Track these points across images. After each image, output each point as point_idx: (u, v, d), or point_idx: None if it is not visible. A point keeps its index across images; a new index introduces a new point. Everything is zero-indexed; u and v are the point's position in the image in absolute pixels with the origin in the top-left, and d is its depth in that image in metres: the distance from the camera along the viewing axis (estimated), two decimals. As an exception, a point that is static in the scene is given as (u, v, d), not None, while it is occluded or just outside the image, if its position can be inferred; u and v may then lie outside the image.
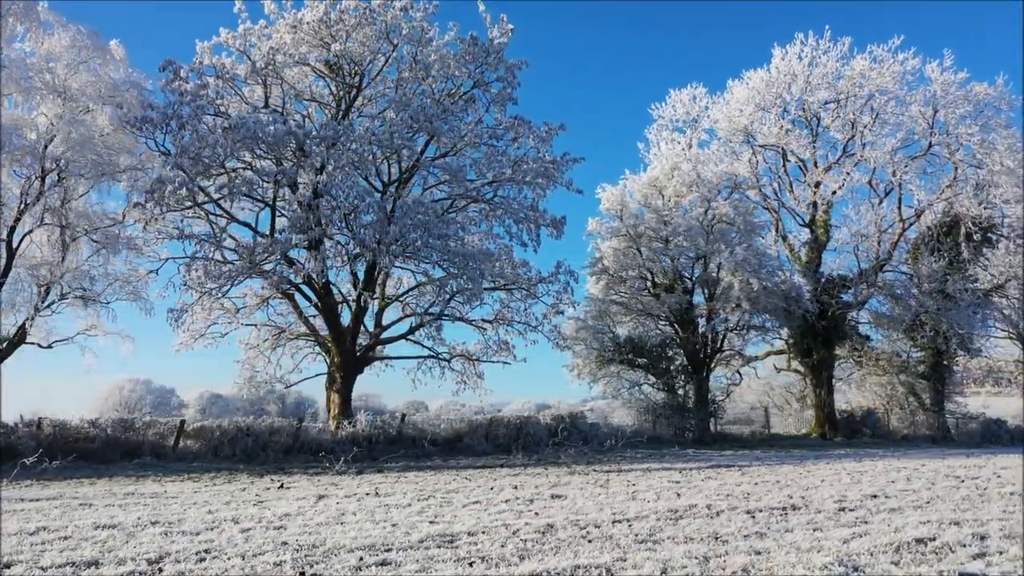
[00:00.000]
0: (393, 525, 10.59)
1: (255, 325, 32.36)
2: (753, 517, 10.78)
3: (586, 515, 11.27)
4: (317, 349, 31.33)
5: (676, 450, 30.29)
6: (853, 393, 43.42)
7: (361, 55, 26.29)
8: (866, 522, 10.22)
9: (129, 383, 74.96)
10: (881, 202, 39.22)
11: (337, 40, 25.22)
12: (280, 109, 27.00)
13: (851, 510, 11.37)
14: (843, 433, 38.57)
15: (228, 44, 26.28)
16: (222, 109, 26.17)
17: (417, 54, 27.18)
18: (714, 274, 35.24)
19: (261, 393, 32.17)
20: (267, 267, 24.83)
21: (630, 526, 10.18)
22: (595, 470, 20.74)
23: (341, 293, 29.83)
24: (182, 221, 26.20)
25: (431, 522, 10.84)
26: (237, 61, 26.71)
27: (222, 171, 23.55)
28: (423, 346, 32.01)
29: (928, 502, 11.95)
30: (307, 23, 24.95)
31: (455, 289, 26.84)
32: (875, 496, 12.85)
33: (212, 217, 27.42)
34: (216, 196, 24.12)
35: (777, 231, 40.31)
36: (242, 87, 27.51)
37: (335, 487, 17.08)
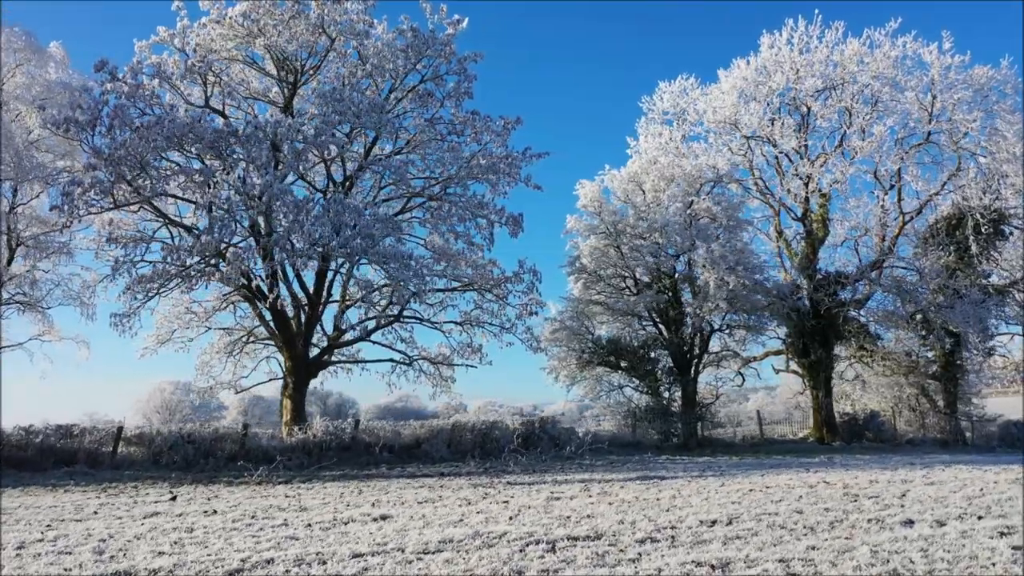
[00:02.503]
0: (110, 558, 9.24)
1: (224, 329, 31.51)
2: (522, 552, 9.08)
3: (354, 545, 9.72)
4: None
5: (648, 456, 28.32)
6: (859, 394, 40.72)
7: (293, 50, 25.03)
8: (635, 560, 8.51)
9: (170, 385, 75.47)
10: (886, 194, 36.60)
11: (264, 34, 24.00)
12: (221, 107, 25.98)
13: (653, 541, 9.56)
14: (843, 437, 36.05)
15: (166, 42, 25.28)
16: (169, 108, 25.21)
17: (360, 48, 25.86)
18: (696, 272, 33.18)
19: (218, 396, 30.83)
20: (199, 268, 23.50)
21: (362, 560, 8.66)
22: (510, 482, 19.08)
23: (297, 296, 28.66)
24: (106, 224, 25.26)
25: (160, 553, 9.44)
26: (181, 60, 25.72)
27: (140, 172, 22.37)
28: (394, 349, 30.91)
29: (756, 533, 10.02)
30: (231, 17, 23.78)
31: (398, 291, 25.27)
32: (714, 523, 10.95)
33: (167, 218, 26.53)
34: (134, 198, 22.96)
35: (776, 226, 38.09)
36: (192, 86, 26.53)
37: (210, 500, 15.88)
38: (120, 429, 25.23)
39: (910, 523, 10.60)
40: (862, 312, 36.38)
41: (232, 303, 30.12)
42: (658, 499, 14.27)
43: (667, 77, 38.08)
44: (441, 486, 18.34)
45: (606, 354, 34.32)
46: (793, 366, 38.35)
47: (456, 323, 29.98)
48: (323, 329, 29.12)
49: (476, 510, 13.22)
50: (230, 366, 30.58)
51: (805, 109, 35.68)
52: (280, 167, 22.81)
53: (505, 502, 14.55)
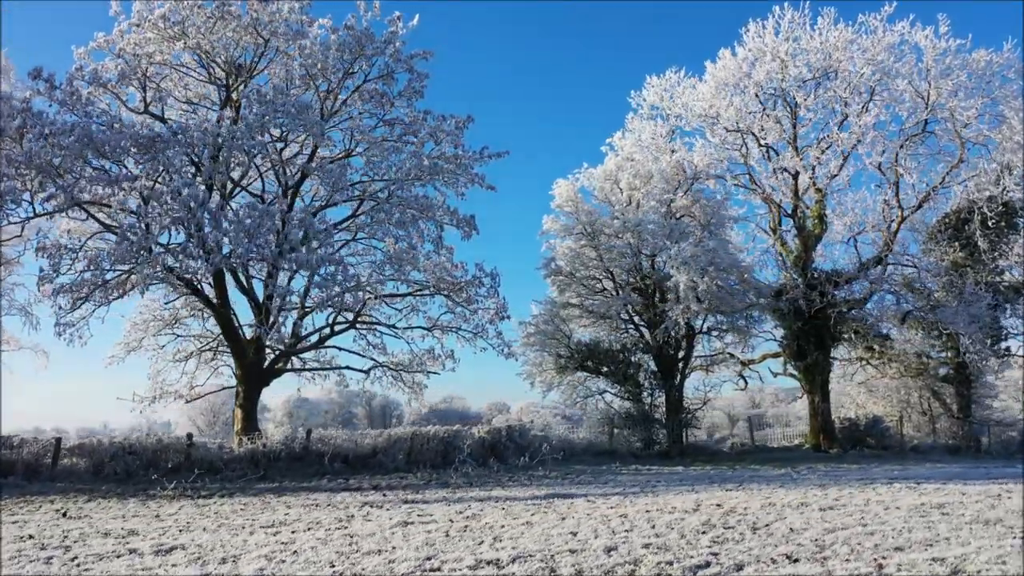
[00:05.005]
0: None
1: (195, 336, 30.88)
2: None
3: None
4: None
5: (615, 467, 26.63)
6: (864, 398, 38.27)
7: (221, 52, 24.08)
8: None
9: (217, 389, 75.76)
10: (892, 188, 34.10)
11: (187, 36, 23.09)
12: (161, 112, 25.21)
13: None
14: (842, 443, 33.71)
15: (103, 48, 24.58)
16: (114, 115, 24.53)
17: (299, 49, 24.78)
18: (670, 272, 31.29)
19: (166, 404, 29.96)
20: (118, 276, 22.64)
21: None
22: (407, 499, 17.80)
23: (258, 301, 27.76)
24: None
25: None
26: (118, 65, 24.99)
27: (57, 178, 21.60)
28: (364, 356, 29.98)
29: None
30: (150, 20, 22.91)
31: (323, 299, 24.10)
32: (490, 563, 9.58)
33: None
34: (60, 205, 22.21)
35: (772, 223, 35.87)
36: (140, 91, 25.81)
37: (77, 519, 15.05)
38: (59, 440, 24.62)
39: (702, 567, 9.03)
40: (857, 312, 33.82)
41: (199, 310, 29.44)
42: (503, 526, 12.80)
43: (662, 71, 35.75)
44: (329, 504, 17.13)
45: (583, 358, 32.69)
46: (791, 369, 36.09)
47: (425, 329, 28.90)
48: (280, 336, 28.17)
49: (284, 540, 11.98)
50: (188, 373, 29.89)
51: (794, 101, 33.51)
52: (201, 172, 21.90)
53: (343, 527, 13.29)
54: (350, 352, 29.64)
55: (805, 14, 32.77)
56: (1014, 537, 10.46)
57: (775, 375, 36.94)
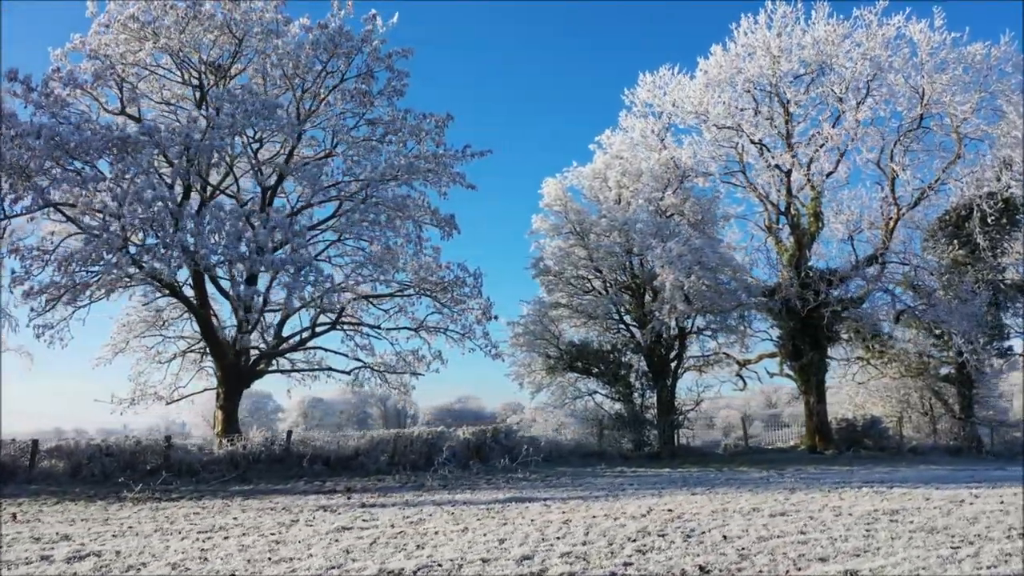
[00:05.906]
0: None
1: (184, 337, 30.69)
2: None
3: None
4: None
5: (600, 469, 26.17)
6: (863, 399, 37.46)
7: (191, 52, 23.86)
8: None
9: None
10: (891, 185, 33.32)
11: (158, 36, 22.88)
12: (137, 113, 25.05)
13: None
14: (839, 444, 32.98)
15: (78, 49, 24.43)
16: (92, 116, 24.39)
17: (275, 48, 24.53)
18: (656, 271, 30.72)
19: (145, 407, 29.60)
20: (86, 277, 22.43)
21: None
22: (364, 503, 17.53)
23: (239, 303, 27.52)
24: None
25: None
26: (92, 66, 24.83)
27: (25, 180, 21.43)
28: (352, 358, 29.69)
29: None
30: (120, 21, 22.72)
31: (290, 301, 23.76)
32: (398, 573, 9.28)
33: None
34: (32, 207, 22.07)
35: (767, 222, 35.17)
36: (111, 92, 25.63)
37: (21, 522, 14.87)
38: (35, 442, 24.44)
39: (604, 580, 8.64)
40: (852, 311, 32.98)
41: (185, 312, 29.24)
42: (437, 532, 12.39)
43: (656, 70, 35.02)
44: (286, 508, 16.76)
45: (572, 359, 32.21)
46: (787, 369, 35.36)
47: (411, 330, 28.60)
48: (264, 338, 27.93)
49: (207, 547, 11.68)
50: (172, 374, 29.69)
51: (786, 97, 32.82)
52: (171, 172, 21.69)
53: (278, 533, 12.98)
54: (336, 353, 29.39)
55: (798, 8, 32.12)
56: (948, 547, 9.95)
57: (771, 375, 36.30)
